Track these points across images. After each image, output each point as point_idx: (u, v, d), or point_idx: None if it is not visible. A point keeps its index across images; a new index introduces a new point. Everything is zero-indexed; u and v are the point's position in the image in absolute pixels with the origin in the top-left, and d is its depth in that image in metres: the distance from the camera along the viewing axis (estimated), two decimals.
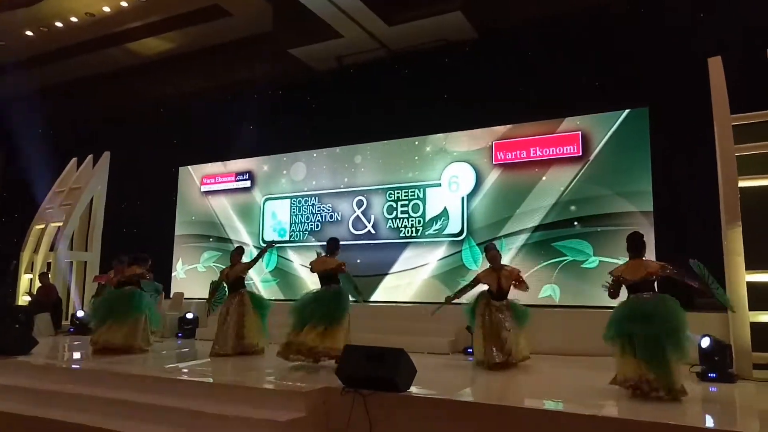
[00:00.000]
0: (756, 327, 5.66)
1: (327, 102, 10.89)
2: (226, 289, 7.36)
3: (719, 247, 6.15)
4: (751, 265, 5.79)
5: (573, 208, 8.36)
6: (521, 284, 6.30)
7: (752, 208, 5.96)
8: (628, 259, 5.03)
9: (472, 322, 6.34)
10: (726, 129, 6.31)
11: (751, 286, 5.76)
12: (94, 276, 10.78)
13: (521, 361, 6.11)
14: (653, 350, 4.46)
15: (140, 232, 12.41)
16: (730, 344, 5.59)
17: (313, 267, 6.56)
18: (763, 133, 6.31)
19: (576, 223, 8.29)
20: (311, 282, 10.14)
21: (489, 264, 6.40)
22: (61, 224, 11.02)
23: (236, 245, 8.88)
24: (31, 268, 11.07)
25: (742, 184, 6.04)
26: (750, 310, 5.69)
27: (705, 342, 5.48)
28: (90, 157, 11.86)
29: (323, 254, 6.57)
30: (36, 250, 11.14)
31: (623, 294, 5.02)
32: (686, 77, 7.49)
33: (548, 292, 8.31)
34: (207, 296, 7.58)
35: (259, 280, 10.78)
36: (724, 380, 5.29)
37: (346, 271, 6.44)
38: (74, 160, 12.10)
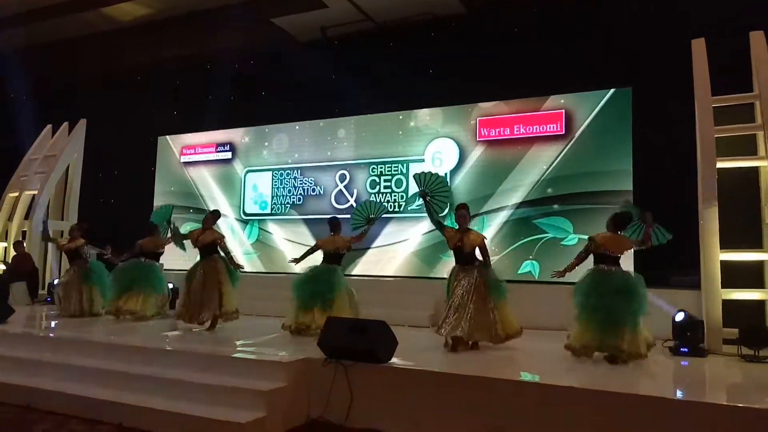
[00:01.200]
0: (727, 304, 5.84)
1: (310, 74, 10.72)
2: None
3: (696, 226, 6.29)
4: (725, 245, 5.94)
5: (551, 188, 8.42)
6: (483, 252, 5.79)
7: (729, 189, 6.10)
8: (608, 232, 5.33)
9: (449, 295, 5.83)
10: (707, 110, 6.40)
11: (724, 264, 5.92)
12: None
13: (508, 338, 5.62)
14: (616, 320, 4.87)
15: (118, 202, 12.23)
16: (702, 320, 5.76)
17: (323, 245, 6.73)
18: (743, 116, 6.43)
19: (555, 205, 8.36)
20: (293, 255, 10.17)
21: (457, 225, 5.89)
22: (36, 192, 10.77)
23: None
24: (5, 237, 10.84)
25: (720, 165, 6.15)
26: (722, 287, 5.86)
27: (679, 316, 5.65)
28: (65, 124, 11.55)
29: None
30: (10, 218, 10.89)
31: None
32: (670, 58, 7.54)
33: (528, 268, 8.43)
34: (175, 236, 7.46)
35: (240, 252, 10.72)
36: (695, 354, 5.47)
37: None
38: (49, 126, 11.77)
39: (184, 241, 7.36)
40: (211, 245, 6.92)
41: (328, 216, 9.83)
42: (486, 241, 5.91)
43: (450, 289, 5.79)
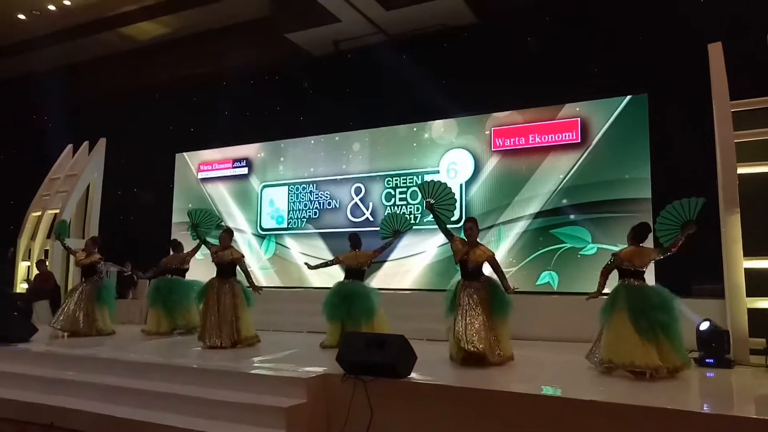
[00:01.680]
0: (753, 313, 5.70)
1: (324, 88, 10.81)
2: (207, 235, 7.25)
3: (717, 233, 6.18)
4: (749, 252, 5.82)
5: (570, 195, 8.36)
6: (495, 268, 5.67)
7: (751, 195, 5.98)
8: (630, 246, 5.25)
9: (450, 312, 5.65)
10: (725, 115, 6.31)
11: (748, 272, 5.79)
12: None
13: (501, 362, 5.38)
14: (666, 334, 4.82)
15: (137, 219, 12.39)
16: (728, 330, 5.63)
17: (345, 260, 6.80)
18: (763, 120, 6.32)
19: (572, 216, 8.29)
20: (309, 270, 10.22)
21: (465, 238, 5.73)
22: (57, 211, 10.96)
23: (240, 231, 8.87)
24: (28, 256, 11.04)
25: (740, 170, 6.05)
26: (748, 296, 5.74)
27: (704, 325, 5.53)
28: (86, 143, 11.77)
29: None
30: (33, 238, 11.09)
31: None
32: (687, 63, 7.46)
33: (546, 279, 8.34)
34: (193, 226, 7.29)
35: (257, 267, 10.77)
36: (721, 366, 5.34)
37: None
38: (70, 146, 12.01)
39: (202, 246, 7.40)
40: (230, 265, 6.91)
41: (344, 229, 9.97)
42: (496, 256, 5.74)
43: (454, 302, 5.60)
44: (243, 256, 7.16)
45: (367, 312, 6.48)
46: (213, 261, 7.02)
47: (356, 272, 6.74)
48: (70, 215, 11.09)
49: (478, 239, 5.79)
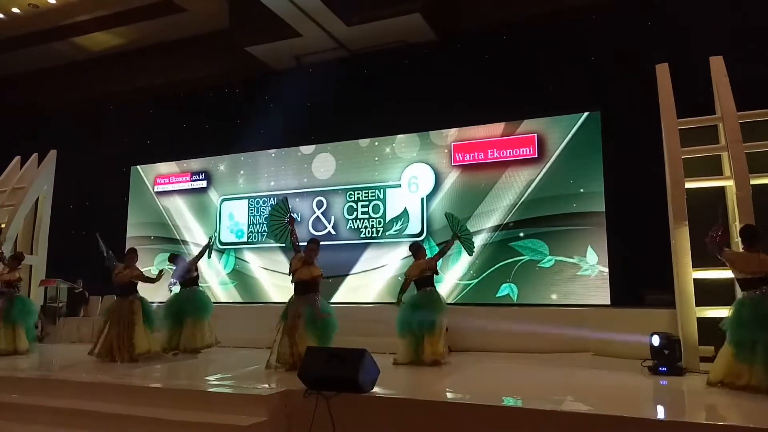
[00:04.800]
0: (702, 322, 5.91)
1: (285, 101, 10.73)
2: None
3: (668, 245, 6.41)
4: (698, 263, 6.03)
5: (528, 209, 8.54)
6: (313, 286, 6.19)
7: (698, 208, 6.22)
8: (743, 249, 5.10)
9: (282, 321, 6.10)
10: (673, 133, 6.59)
11: (697, 282, 6.01)
12: (40, 280, 10.31)
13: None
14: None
15: (90, 234, 11.92)
16: (679, 339, 5.82)
17: (409, 274, 6.72)
18: (708, 137, 6.63)
19: (530, 228, 8.45)
20: (270, 284, 10.09)
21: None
22: (3, 225, 10.47)
23: (198, 245, 8.79)
24: None
25: (688, 185, 6.31)
26: (697, 305, 5.94)
27: (655, 340, 5.70)
28: (35, 155, 11.31)
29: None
30: None
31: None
32: (637, 82, 7.76)
33: (506, 290, 8.47)
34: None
35: (216, 282, 10.55)
36: (673, 373, 5.51)
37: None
38: (18, 158, 11.51)
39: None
40: (129, 284, 7.10)
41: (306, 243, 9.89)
42: (321, 278, 6.23)
43: (287, 314, 6.07)
44: (140, 275, 7.20)
45: (428, 318, 6.30)
46: (113, 282, 7.12)
47: (423, 280, 6.62)
48: (17, 230, 10.61)
49: (316, 260, 6.21)
